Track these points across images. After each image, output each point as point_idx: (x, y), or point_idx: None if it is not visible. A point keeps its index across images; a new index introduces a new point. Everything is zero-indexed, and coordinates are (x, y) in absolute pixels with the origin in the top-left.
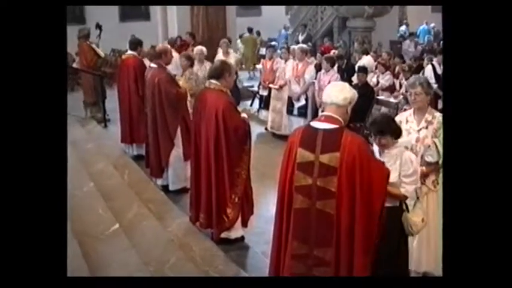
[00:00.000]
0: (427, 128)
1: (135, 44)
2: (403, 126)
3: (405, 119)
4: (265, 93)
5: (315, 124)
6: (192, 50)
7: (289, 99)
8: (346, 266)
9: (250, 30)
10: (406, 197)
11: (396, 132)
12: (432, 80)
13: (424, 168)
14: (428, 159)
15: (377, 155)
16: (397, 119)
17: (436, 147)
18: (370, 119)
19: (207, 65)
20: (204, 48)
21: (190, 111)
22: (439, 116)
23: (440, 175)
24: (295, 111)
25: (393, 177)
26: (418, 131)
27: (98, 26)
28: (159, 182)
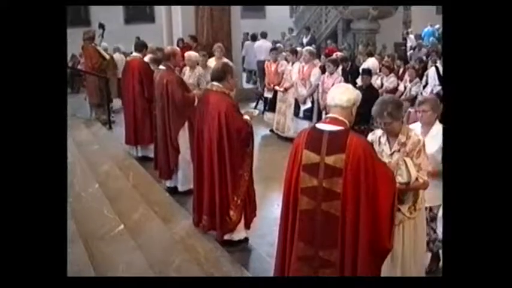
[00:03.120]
0: (399, 151)
1: (141, 46)
2: (376, 148)
3: (377, 139)
4: (270, 95)
5: (320, 126)
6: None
7: (296, 101)
8: (351, 267)
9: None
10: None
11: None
12: (436, 82)
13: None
14: (398, 179)
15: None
16: (369, 138)
17: (407, 166)
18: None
19: (197, 71)
20: (193, 54)
21: None
22: (414, 135)
23: (418, 200)
24: (301, 114)
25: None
26: (391, 155)
27: (101, 26)
28: (168, 183)
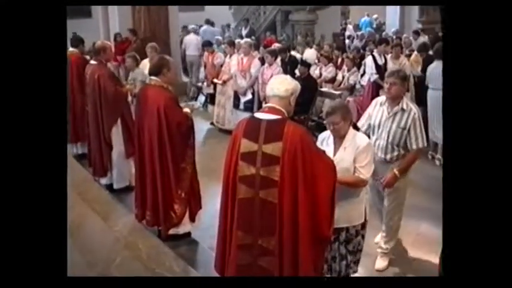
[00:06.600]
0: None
1: (77, 41)
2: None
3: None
4: (210, 90)
5: (259, 115)
6: (134, 47)
7: (236, 93)
8: (290, 255)
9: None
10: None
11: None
12: (373, 71)
13: None
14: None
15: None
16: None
17: None
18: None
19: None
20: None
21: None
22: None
23: None
24: (241, 106)
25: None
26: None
27: None
28: (103, 181)
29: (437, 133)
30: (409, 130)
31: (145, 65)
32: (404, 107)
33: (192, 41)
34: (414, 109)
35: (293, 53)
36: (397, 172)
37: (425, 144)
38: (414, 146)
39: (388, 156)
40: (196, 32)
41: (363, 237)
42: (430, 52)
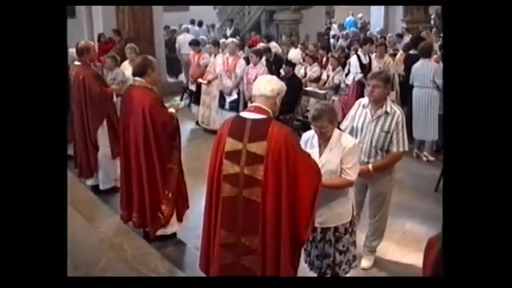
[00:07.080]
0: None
1: None
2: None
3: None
4: (193, 87)
5: (244, 114)
6: (119, 47)
7: (221, 93)
8: (272, 254)
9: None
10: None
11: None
12: (357, 70)
13: None
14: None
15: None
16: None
17: None
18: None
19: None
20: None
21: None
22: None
23: None
24: (227, 106)
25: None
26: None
27: None
28: (89, 182)
29: (422, 132)
30: (391, 133)
31: (125, 66)
32: (388, 110)
33: (185, 41)
34: (398, 112)
35: (273, 44)
36: (371, 168)
37: (406, 149)
38: (395, 150)
39: (372, 161)
40: (189, 32)
41: (351, 234)
42: (411, 51)
